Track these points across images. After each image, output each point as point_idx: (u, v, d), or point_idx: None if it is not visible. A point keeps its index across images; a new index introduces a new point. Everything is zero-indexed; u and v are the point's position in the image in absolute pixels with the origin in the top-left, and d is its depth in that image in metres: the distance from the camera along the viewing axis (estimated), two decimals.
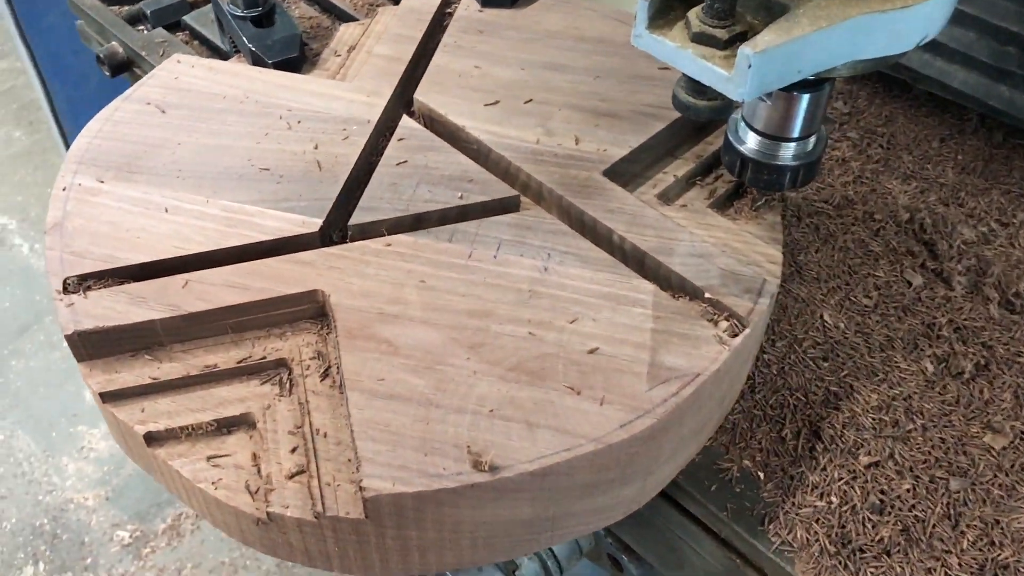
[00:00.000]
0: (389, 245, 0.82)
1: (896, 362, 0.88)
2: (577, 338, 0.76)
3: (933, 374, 0.87)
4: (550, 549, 0.98)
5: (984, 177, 1.13)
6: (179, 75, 0.97)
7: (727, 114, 0.77)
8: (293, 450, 0.73)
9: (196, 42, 1.24)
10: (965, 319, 0.91)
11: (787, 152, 0.82)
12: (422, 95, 0.95)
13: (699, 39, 0.67)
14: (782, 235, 0.87)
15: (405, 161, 0.89)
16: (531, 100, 0.95)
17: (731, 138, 0.83)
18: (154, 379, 0.76)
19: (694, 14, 0.68)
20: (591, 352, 0.75)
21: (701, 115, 0.74)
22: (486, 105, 0.94)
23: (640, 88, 0.96)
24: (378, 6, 1.26)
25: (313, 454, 0.72)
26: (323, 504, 0.69)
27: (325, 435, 0.73)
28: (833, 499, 0.79)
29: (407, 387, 0.72)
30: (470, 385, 0.73)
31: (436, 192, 0.86)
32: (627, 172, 0.91)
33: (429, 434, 0.70)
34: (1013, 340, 0.90)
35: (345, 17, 1.24)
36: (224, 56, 1.20)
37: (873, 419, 0.84)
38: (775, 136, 0.81)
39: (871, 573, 0.75)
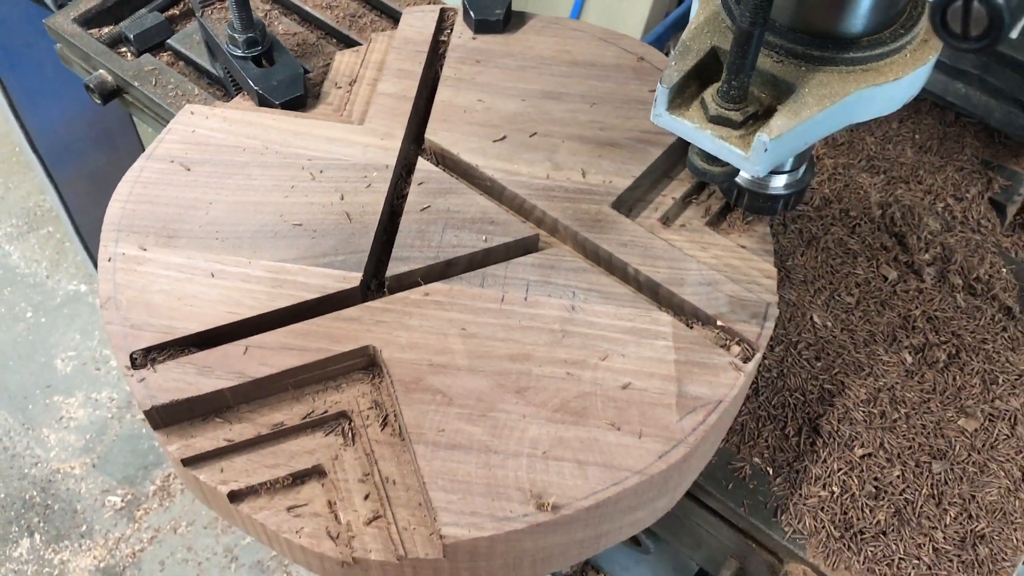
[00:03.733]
0: (427, 295, 0.89)
1: (879, 355, 0.99)
2: (610, 375, 0.85)
3: (912, 364, 0.99)
4: None
5: (939, 155, 1.23)
6: (195, 128, 1.01)
7: (736, 173, 0.85)
8: (366, 497, 0.81)
9: (182, 63, 1.26)
10: (936, 310, 1.02)
11: (780, 182, 0.90)
12: (432, 134, 1.01)
13: (716, 121, 0.74)
14: (773, 245, 0.97)
15: (428, 206, 0.95)
16: (535, 133, 1.01)
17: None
18: (228, 441, 0.83)
19: (709, 96, 0.75)
20: (624, 387, 0.84)
21: (716, 180, 0.82)
22: (494, 141, 1.00)
23: (635, 113, 1.03)
24: (359, 17, 1.29)
25: (386, 501, 0.80)
26: (404, 548, 0.78)
27: (394, 482, 0.81)
28: (835, 488, 0.91)
29: (466, 436, 0.81)
30: (522, 429, 0.81)
31: (462, 236, 0.93)
32: (631, 199, 0.98)
33: (493, 479, 0.79)
34: (979, 328, 1.01)
35: (327, 29, 1.27)
36: (216, 80, 1.22)
37: (863, 412, 0.95)
38: (782, 171, 0.89)
39: (871, 553, 0.88)
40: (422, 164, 0.99)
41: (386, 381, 0.85)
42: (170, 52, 1.27)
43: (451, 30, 1.12)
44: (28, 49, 1.85)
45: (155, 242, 0.92)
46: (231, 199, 0.95)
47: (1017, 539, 0.89)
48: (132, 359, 0.85)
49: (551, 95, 1.05)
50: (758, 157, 0.73)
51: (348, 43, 1.26)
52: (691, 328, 0.89)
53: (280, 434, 0.84)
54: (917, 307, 1.03)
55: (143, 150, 1.29)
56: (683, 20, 2.04)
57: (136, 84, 1.20)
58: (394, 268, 0.91)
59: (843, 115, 0.75)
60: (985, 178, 1.21)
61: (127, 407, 2.76)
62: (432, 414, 0.82)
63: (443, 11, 1.13)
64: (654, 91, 1.04)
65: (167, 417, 0.83)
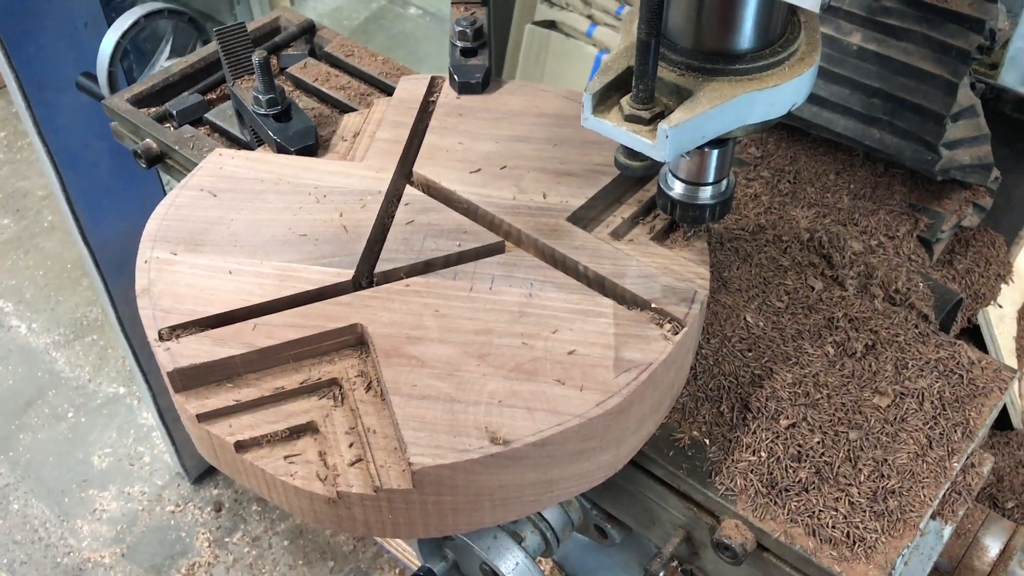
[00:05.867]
0: (408, 286, 1.06)
1: (805, 349, 1.13)
2: (559, 344, 1.00)
3: (834, 356, 1.13)
4: (547, 523, 1.21)
5: (872, 201, 1.40)
6: (223, 165, 1.21)
7: (655, 170, 1.02)
8: (351, 445, 0.96)
9: (216, 135, 1.48)
10: (857, 312, 1.17)
11: (706, 193, 1.07)
12: (419, 168, 1.20)
13: (630, 119, 0.92)
14: (709, 257, 1.13)
15: (412, 221, 1.13)
16: (505, 166, 1.20)
17: (662, 186, 1.09)
18: (236, 401, 0.99)
19: (625, 101, 0.93)
20: (570, 353, 0.99)
21: (636, 173, 0.99)
22: (471, 172, 1.19)
23: (590, 151, 1.22)
24: (367, 95, 1.51)
25: (367, 446, 0.95)
26: (380, 481, 0.92)
27: (374, 432, 0.96)
28: (762, 454, 1.03)
29: (435, 389, 0.96)
30: (482, 384, 0.96)
31: (439, 243, 1.11)
32: (585, 217, 1.15)
33: (455, 422, 0.93)
34: (893, 325, 1.15)
35: (342, 107, 1.49)
36: (244, 145, 1.44)
37: (789, 392, 1.09)
38: (695, 182, 1.06)
39: (794, 506, 1.00)
40: (410, 191, 1.18)
41: (371, 352, 1.01)
42: (206, 126, 1.49)
43: (439, 93, 1.33)
44: (86, 151, 2.11)
45: (184, 249, 1.10)
46: (249, 217, 1.14)
47: (924, 495, 1.01)
48: (160, 334, 1.02)
49: (520, 139, 1.24)
50: (661, 143, 0.90)
51: None
52: (631, 311, 1.04)
53: (280, 397, 1.00)
54: (840, 310, 1.17)
55: None
56: None
57: (176, 148, 1.42)
58: (381, 267, 1.08)
59: (733, 113, 0.93)
60: (912, 219, 1.38)
61: (157, 500, 2.90)
62: (407, 374, 0.98)
63: (433, 79, 1.35)
64: None
65: (186, 380, 0.99)
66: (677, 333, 1.01)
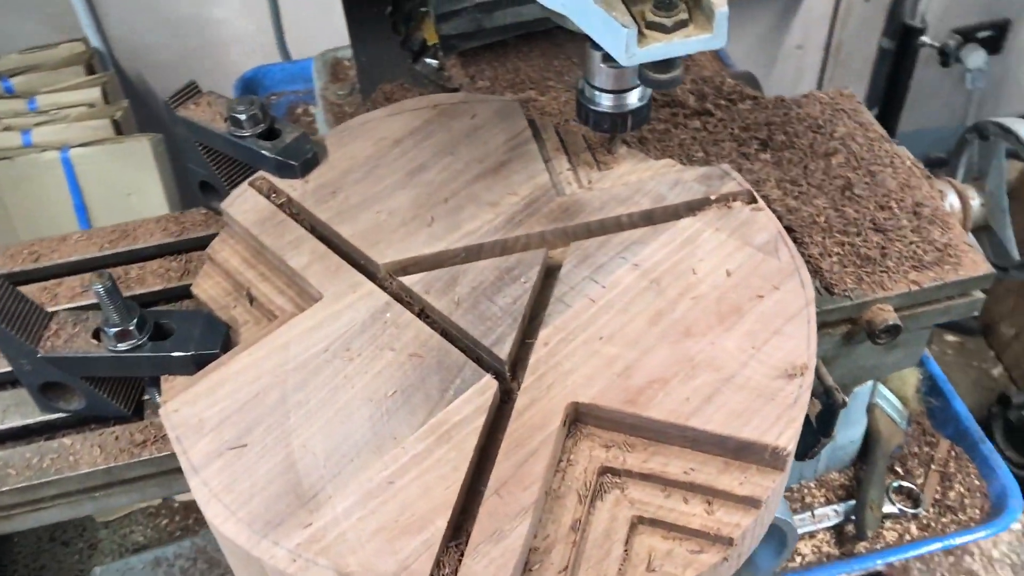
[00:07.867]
0: (546, 344, 0.92)
1: (750, 167, 1.22)
2: (712, 276, 0.96)
3: (771, 158, 1.24)
4: None
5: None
6: (198, 417, 0.88)
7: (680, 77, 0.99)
8: (686, 501, 0.84)
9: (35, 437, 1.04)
10: (742, 122, 1.28)
11: (636, 96, 1.07)
12: (378, 258, 0.99)
13: (677, 27, 0.89)
14: (641, 152, 1.14)
15: (457, 300, 0.95)
16: (447, 199, 1.05)
17: (599, 109, 1.05)
18: (534, 547, 0.80)
19: (651, 16, 0.88)
20: (730, 275, 0.96)
21: (676, 84, 0.96)
22: (429, 226, 1.03)
23: (486, 138, 1.12)
24: (129, 276, 1.16)
25: (702, 487, 0.84)
26: (755, 497, 0.83)
27: (693, 470, 0.85)
28: (836, 249, 1.12)
29: (704, 386, 0.87)
30: (722, 349, 0.90)
31: (508, 293, 0.96)
32: (555, 185, 1.08)
33: (754, 390, 0.87)
34: (769, 115, 1.29)
35: (147, 300, 1.13)
36: (85, 418, 1.03)
37: (792, 200, 1.18)
38: (629, 88, 1.06)
39: (891, 263, 1.11)
40: (407, 279, 0.98)
41: (592, 422, 0.87)
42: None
43: (276, 192, 1.09)
44: None
45: (308, 513, 0.81)
46: (314, 430, 0.86)
47: (926, 193, 1.19)
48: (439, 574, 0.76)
49: (416, 171, 1.09)
50: (721, 29, 0.89)
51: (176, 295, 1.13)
52: (706, 212, 1.03)
53: (581, 525, 0.82)
54: (730, 127, 1.28)
55: None
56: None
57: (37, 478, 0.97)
58: (500, 352, 0.91)
59: None
60: None
61: None
62: (666, 399, 0.87)
63: (253, 184, 1.09)
64: (475, 117, 1.15)
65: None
66: (754, 200, 1.03)
